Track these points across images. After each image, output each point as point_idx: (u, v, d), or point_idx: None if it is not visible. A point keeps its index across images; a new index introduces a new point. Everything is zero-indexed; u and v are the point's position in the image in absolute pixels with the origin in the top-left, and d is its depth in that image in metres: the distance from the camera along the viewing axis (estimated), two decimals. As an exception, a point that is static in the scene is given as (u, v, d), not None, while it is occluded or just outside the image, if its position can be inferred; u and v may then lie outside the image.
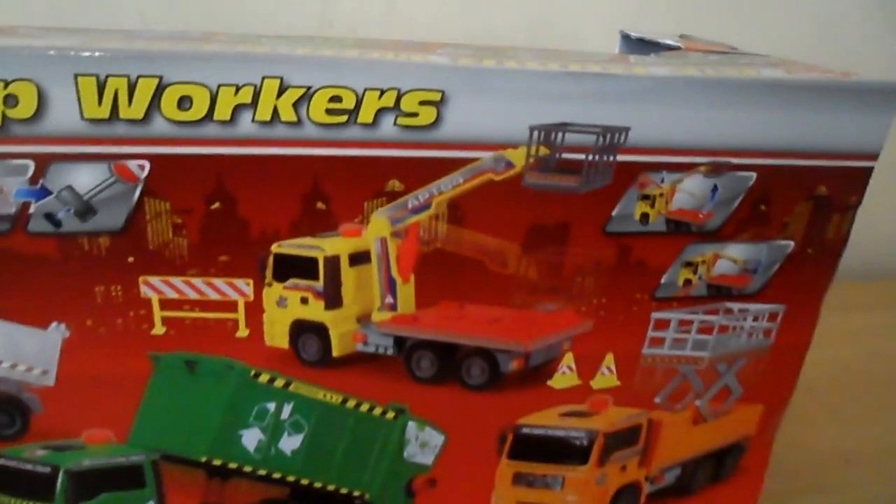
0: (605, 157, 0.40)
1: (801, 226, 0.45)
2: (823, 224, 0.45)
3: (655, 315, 0.45)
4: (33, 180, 0.35)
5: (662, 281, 0.44)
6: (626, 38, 0.62)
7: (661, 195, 0.41)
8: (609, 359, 0.46)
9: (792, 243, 0.45)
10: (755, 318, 0.47)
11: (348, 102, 0.36)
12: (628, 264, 0.43)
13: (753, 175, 0.42)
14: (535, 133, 0.38)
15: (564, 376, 0.46)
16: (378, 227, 0.40)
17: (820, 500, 0.67)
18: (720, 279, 0.45)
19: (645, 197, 0.41)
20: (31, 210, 0.36)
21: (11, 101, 0.34)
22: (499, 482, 0.49)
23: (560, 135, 0.38)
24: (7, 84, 0.33)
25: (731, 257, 0.45)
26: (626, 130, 0.39)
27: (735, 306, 0.46)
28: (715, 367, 0.48)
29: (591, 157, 0.40)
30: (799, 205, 0.44)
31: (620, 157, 0.40)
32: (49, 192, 0.36)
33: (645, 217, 0.42)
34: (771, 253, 0.45)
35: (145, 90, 0.34)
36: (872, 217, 0.62)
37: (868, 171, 0.44)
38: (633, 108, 0.39)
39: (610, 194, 0.41)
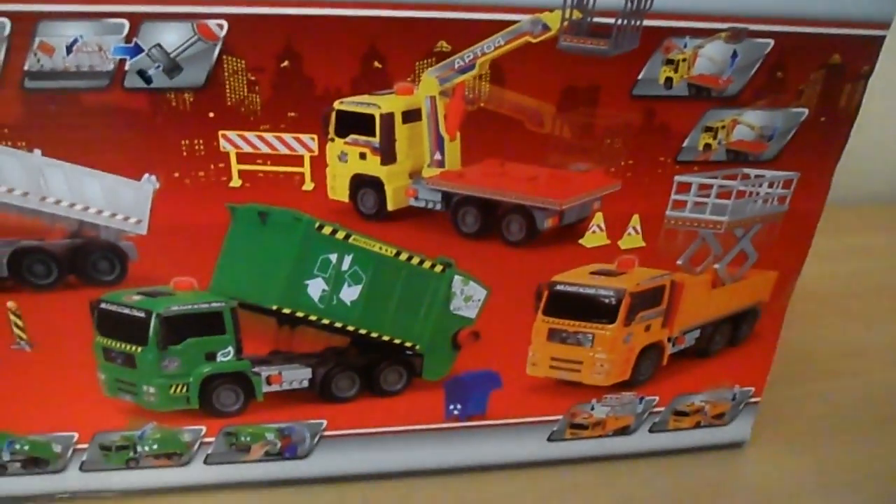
0: (632, 22, 0.42)
1: (814, 93, 0.46)
2: (836, 92, 0.47)
3: (678, 178, 0.47)
4: (127, 39, 0.39)
5: (684, 145, 0.46)
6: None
7: (684, 60, 0.43)
8: (635, 220, 0.48)
9: (806, 111, 0.47)
10: (770, 185, 0.49)
11: (403, -35, 0.39)
12: (653, 127, 0.45)
13: (771, 42, 0.44)
14: (570, -5, 0.41)
15: (594, 235, 0.49)
16: (428, 85, 0.42)
17: (833, 385, 0.69)
18: (738, 144, 0.47)
19: (669, 61, 0.43)
20: (126, 67, 0.40)
21: (110, -38, 0.37)
22: (535, 337, 0.51)
23: (592, -1, 0.41)
24: (106, -54, 0.37)
25: (748, 123, 0.47)
26: (652, -6, 0.41)
27: (752, 172, 0.48)
28: (732, 231, 0.50)
29: (619, 22, 0.42)
30: (813, 72, 0.46)
31: (647, 22, 0.42)
32: (141, 50, 0.39)
33: (669, 81, 0.44)
34: (786, 120, 0.47)
35: (225, -47, 0.38)
36: None
37: (880, 40, 0.45)
38: (659, -28, 0.41)
39: (637, 58, 0.43)
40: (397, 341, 0.50)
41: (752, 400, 0.58)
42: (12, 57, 0.38)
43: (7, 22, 0.37)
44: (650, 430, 0.57)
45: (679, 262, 0.51)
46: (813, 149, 0.48)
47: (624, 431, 0.56)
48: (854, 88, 0.47)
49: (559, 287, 0.50)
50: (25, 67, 0.38)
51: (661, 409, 0.56)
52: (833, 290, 0.88)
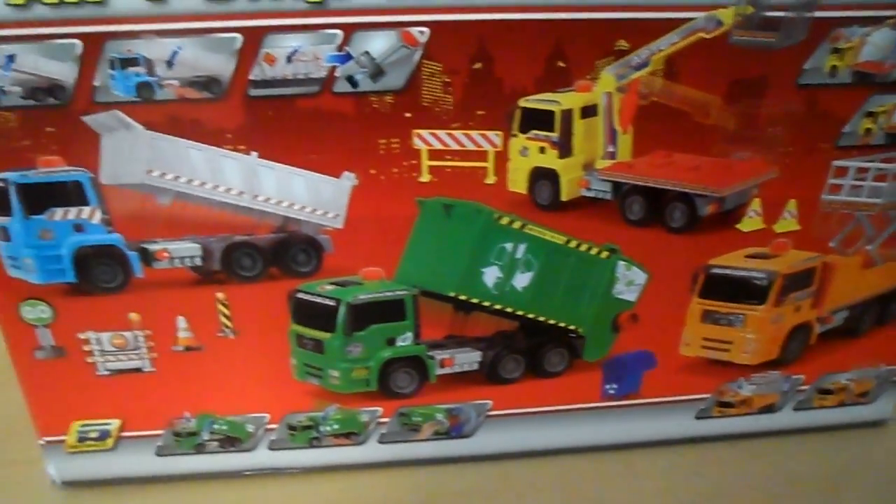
0: (803, 14, 0.43)
1: (974, 76, 0.47)
2: None
3: (836, 163, 0.48)
4: (340, 48, 0.42)
5: (845, 130, 0.47)
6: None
7: (851, 48, 0.44)
8: (791, 204, 0.49)
9: (963, 94, 0.47)
10: (925, 167, 0.49)
11: (592, -31, 0.41)
12: (815, 115, 0.46)
13: (932, 29, 0.45)
14: (745, -8, 0.42)
15: (751, 220, 0.49)
16: (606, 82, 0.44)
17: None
18: (896, 128, 0.48)
19: (836, 50, 0.44)
20: (337, 73, 0.42)
21: (331, -22, 0.40)
22: (689, 319, 0.52)
23: (765, -7, 0.42)
24: (329, -36, 0.39)
25: (907, 107, 0.47)
26: (823, -13, 0.42)
27: (908, 154, 0.49)
28: (887, 213, 0.51)
29: (790, 15, 0.43)
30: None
31: (816, 14, 0.43)
32: (351, 57, 0.42)
33: (834, 70, 0.45)
34: (943, 103, 0.47)
35: (432, -35, 0.40)
36: None
37: None
38: (830, -34, 0.42)
39: (804, 49, 0.44)
40: (562, 324, 0.52)
41: None
42: (240, 68, 0.42)
43: (239, 37, 0.41)
44: (794, 409, 0.57)
45: (832, 244, 0.51)
46: (966, 131, 0.49)
47: (769, 409, 0.57)
48: None
49: (714, 270, 0.51)
50: (250, 77, 0.42)
51: (806, 387, 0.56)
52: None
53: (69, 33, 0.39)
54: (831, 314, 0.54)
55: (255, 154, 0.44)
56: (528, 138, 0.46)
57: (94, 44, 0.40)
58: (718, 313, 0.53)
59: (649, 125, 0.45)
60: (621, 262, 0.50)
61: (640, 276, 0.51)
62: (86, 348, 0.48)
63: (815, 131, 0.47)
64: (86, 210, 0.44)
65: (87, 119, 0.42)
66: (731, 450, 0.58)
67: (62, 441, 0.51)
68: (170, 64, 0.41)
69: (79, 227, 0.45)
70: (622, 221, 0.49)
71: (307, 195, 0.45)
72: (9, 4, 0.38)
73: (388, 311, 0.50)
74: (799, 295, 0.53)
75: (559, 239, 0.49)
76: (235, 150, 0.43)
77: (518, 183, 0.46)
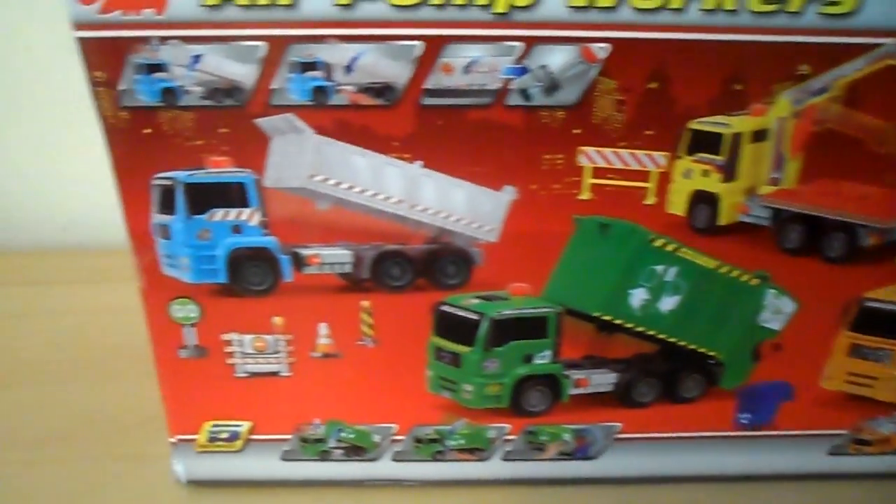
0: None
1: None
2: None
3: None
4: (519, 59, 0.42)
5: None
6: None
7: None
8: (957, 239, 0.48)
9: None
10: None
11: (784, -8, 0.40)
12: None
13: None
14: (940, 20, 0.41)
15: (915, 254, 0.49)
16: (782, 107, 0.43)
17: None
18: None
19: None
20: (511, 86, 0.42)
21: (519, -8, 0.40)
22: (836, 351, 0.52)
23: (960, 22, 0.41)
24: (520, -24, 0.39)
25: None
26: None
27: None
28: None
29: (982, 44, 0.42)
30: None
31: None
32: (528, 71, 0.42)
33: None
34: None
35: (622, -18, 0.40)
36: None
37: None
38: None
39: None
40: (703, 350, 0.52)
41: None
42: (417, 76, 0.42)
43: (421, 45, 0.41)
44: (933, 450, 0.56)
45: None
46: None
47: (906, 449, 0.56)
48: None
49: (869, 304, 0.50)
50: (425, 86, 0.42)
51: (948, 429, 0.56)
52: None
53: (256, 35, 0.40)
54: (983, 355, 0.54)
55: (418, 163, 0.45)
56: (694, 160, 0.45)
57: (278, 47, 0.41)
58: (868, 348, 0.52)
59: (819, 152, 0.46)
60: (771, 291, 0.50)
61: (788, 305, 0.50)
62: (227, 349, 0.49)
63: None
64: (246, 212, 0.45)
65: (260, 121, 0.43)
66: (862, 490, 0.57)
67: (192, 440, 0.52)
68: (348, 69, 0.41)
69: (236, 229, 0.45)
70: (777, 249, 0.49)
71: (465, 207, 0.45)
72: (202, 5, 0.39)
73: (530, 328, 0.50)
74: (952, 333, 0.52)
75: (710, 264, 0.48)
76: (400, 158, 0.44)
77: (677, 205, 0.46)
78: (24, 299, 0.78)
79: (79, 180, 0.86)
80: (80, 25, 0.39)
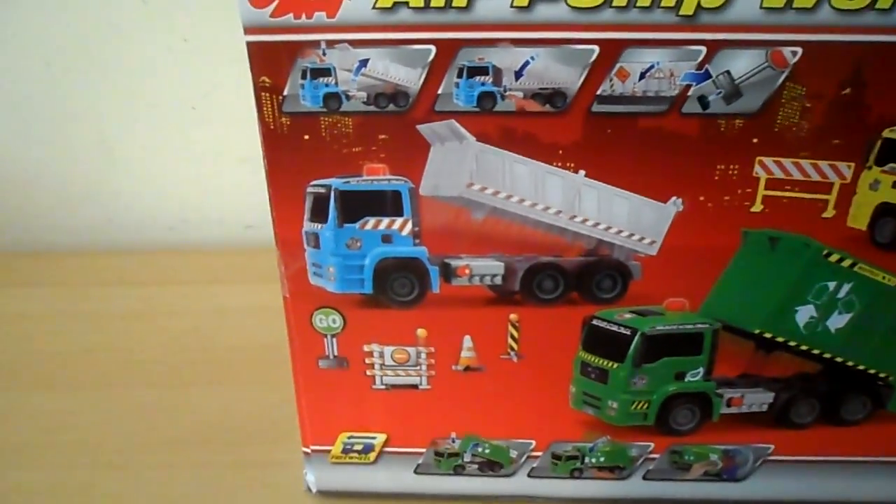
0: None
1: None
2: None
3: None
4: (701, 65, 0.41)
5: None
6: None
7: None
8: None
9: None
10: None
11: None
12: None
13: None
14: None
15: None
16: None
17: None
18: None
19: None
20: (689, 92, 0.41)
21: (714, -9, 0.39)
22: None
23: None
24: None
25: None
26: None
27: None
28: None
29: None
30: None
31: None
32: (709, 76, 0.41)
33: None
34: None
35: (823, -20, 0.38)
36: None
37: None
38: None
39: None
40: (871, 371, 0.50)
41: None
42: (589, 82, 0.41)
43: (597, 49, 0.41)
44: None
45: None
46: None
47: None
48: None
49: None
50: (598, 92, 0.42)
51: None
52: None
53: (426, 38, 0.40)
54: None
55: (582, 172, 0.44)
56: (884, 171, 0.43)
57: (447, 50, 0.40)
58: None
59: None
60: (955, 311, 0.48)
61: (971, 326, 0.49)
62: (368, 361, 0.49)
63: None
64: (398, 221, 0.45)
65: (421, 127, 0.42)
66: None
67: (327, 451, 0.53)
68: (518, 74, 0.40)
69: (387, 238, 0.45)
70: (967, 267, 0.47)
71: (627, 219, 0.45)
72: (376, 8, 0.39)
73: (684, 344, 0.49)
74: None
75: (892, 281, 0.47)
76: (564, 166, 0.44)
77: (859, 218, 0.44)
78: (138, 300, 0.79)
79: (185, 181, 0.88)
80: (250, 29, 0.39)
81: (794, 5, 0.38)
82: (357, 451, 0.52)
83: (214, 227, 0.88)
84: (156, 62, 0.81)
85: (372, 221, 0.45)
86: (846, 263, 0.46)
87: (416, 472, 0.53)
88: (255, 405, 0.61)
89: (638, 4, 0.39)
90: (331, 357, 0.49)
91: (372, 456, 0.53)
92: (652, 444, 0.52)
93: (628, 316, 0.48)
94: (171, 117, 0.83)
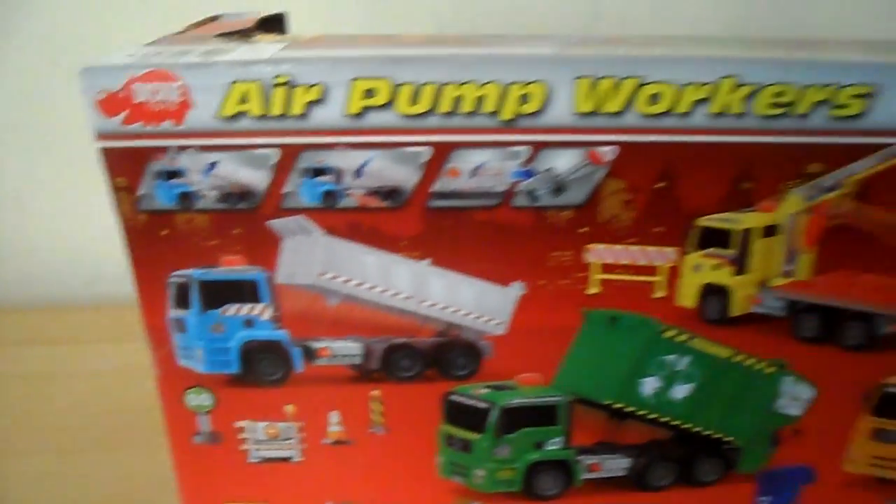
0: None
1: None
2: None
3: None
4: (525, 163, 0.44)
5: None
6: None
7: None
8: (982, 330, 0.50)
9: None
10: None
11: (790, 97, 0.42)
12: None
13: None
14: (953, 120, 0.43)
15: (935, 343, 0.50)
16: (792, 203, 0.45)
17: None
18: None
19: None
20: (518, 188, 0.45)
21: (524, 98, 0.42)
22: (858, 435, 0.53)
23: (973, 122, 0.43)
24: (525, 84, 0.42)
25: None
26: None
27: None
28: None
29: None
30: None
31: None
32: (534, 174, 0.44)
33: None
34: None
35: (627, 89, 0.42)
36: None
37: None
38: None
39: None
40: (718, 436, 0.54)
41: None
42: (424, 180, 0.45)
43: (429, 150, 0.44)
44: (962, 535, 0.57)
45: None
46: None
47: (934, 534, 0.57)
48: None
49: (891, 389, 0.51)
50: (432, 189, 0.45)
51: (978, 515, 0.57)
52: None
53: (268, 143, 0.44)
54: None
55: (427, 261, 0.47)
56: (704, 255, 0.47)
57: (289, 154, 0.44)
58: (891, 432, 0.53)
59: (833, 245, 0.47)
60: (787, 378, 0.51)
61: (806, 392, 0.52)
62: (241, 436, 0.52)
63: None
64: (258, 307, 0.48)
65: (271, 223, 0.46)
66: (888, 574, 0.58)
67: (207, 522, 0.56)
68: (357, 174, 0.44)
69: (249, 323, 0.48)
70: (792, 338, 0.50)
71: (473, 302, 0.48)
72: (218, 117, 0.42)
73: (539, 415, 0.52)
74: (977, 420, 0.53)
75: (724, 353, 0.50)
76: (409, 256, 0.47)
77: (687, 297, 0.48)
78: (46, 360, 0.81)
79: (103, 237, 0.90)
80: (102, 136, 0.43)
81: (603, 110, 0.43)
82: (237, 522, 0.55)
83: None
84: (70, 118, 0.84)
85: (233, 308, 0.48)
86: (681, 339, 0.50)
87: (294, 541, 0.56)
88: (160, 469, 0.63)
89: (461, 111, 0.43)
90: (204, 433, 0.51)
91: (254, 526, 0.56)
92: (521, 509, 0.56)
93: (484, 391, 0.52)
94: (86, 173, 0.86)
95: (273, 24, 0.61)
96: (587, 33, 0.52)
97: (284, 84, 0.41)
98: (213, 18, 0.60)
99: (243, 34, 0.51)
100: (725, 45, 0.46)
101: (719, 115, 0.43)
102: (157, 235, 0.46)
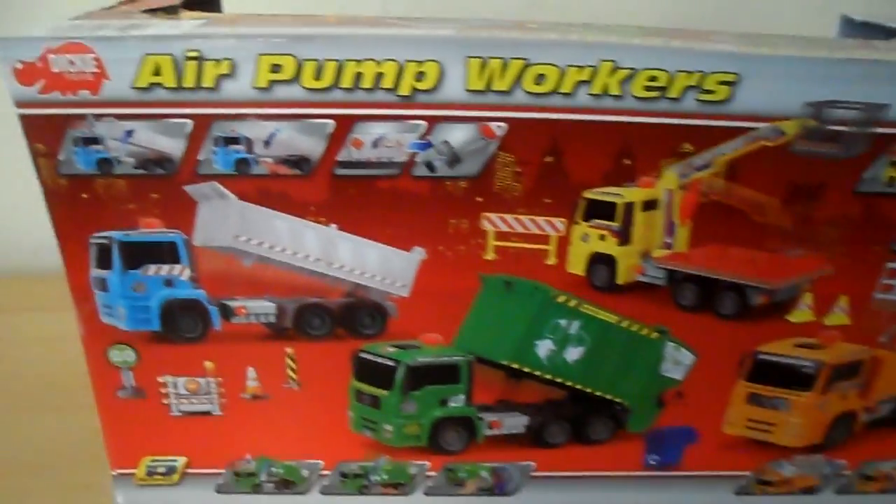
0: (864, 129, 0.48)
1: None
2: None
3: (889, 265, 0.53)
4: (423, 136, 0.48)
5: (898, 234, 0.52)
6: (848, 21, 0.68)
7: (908, 160, 0.49)
8: (843, 300, 0.54)
9: None
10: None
11: (663, 81, 0.46)
12: (871, 220, 0.51)
13: None
14: (809, 108, 0.47)
15: (802, 312, 0.54)
16: (668, 180, 0.49)
17: None
18: (949, 234, 0.52)
19: (894, 163, 0.49)
20: (417, 159, 0.48)
21: (420, 76, 0.46)
22: (734, 399, 0.58)
23: (828, 110, 0.47)
24: (420, 63, 0.45)
25: (960, 216, 0.52)
26: (884, 107, 0.47)
27: (960, 258, 0.53)
28: (936, 312, 0.55)
29: (851, 129, 0.48)
30: None
31: (878, 129, 0.48)
32: (431, 145, 0.48)
33: (892, 180, 0.49)
34: None
35: (514, 69, 0.46)
36: None
37: None
38: (892, 88, 0.47)
39: (863, 160, 0.49)
40: (608, 397, 0.58)
41: (937, 469, 0.63)
42: (330, 150, 0.48)
43: (332, 122, 0.47)
44: (835, 492, 0.62)
45: (881, 339, 0.56)
46: None
47: (809, 491, 0.62)
48: None
49: (763, 356, 0.56)
50: (337, 158, 0.48)
51: (849, 472, 0.61)
52: None
53: (182, 114, 0.47)
54: (878, 405, 0.59)
55: (334, 226, 0.50)
56: (591, 226, 0.51)
57: (203, 123, 0.47)
58: (764, 397, 0.58)
59: (707, 219, 0.51)
60: (670, 343, 0.56)
61: (687, 357, 0.56)
62: (163, 391, 0.55)
63: (869, 235, 0.52)
64: (177, 268, 0.51)
65: (188, 188, 0.49)
66: (767, 527, 0.63)
67: (132, 474, 0.59)
68: (267, 144, 0.47)
69: (168, 283, 0.52)
70: (674, 306, 0.55)
71: (378, 266, 0.52)
72: (134, 87, 0.45)
73: (443, 374, 0.56)
74: (845, 385, 0.58)
75: (611, 318, 0.54)
76: (317, 221, 0.50)
77: (577, 265, 0.52)
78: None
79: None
80: (21, 104, 0.46)
81: (494, 88, 0.46)
82: (161, 474, 0.58)
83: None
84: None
85: (153, 268, 0.51)
86: (572, 304, 0.54)
87: (218, 491, 0.59)
88: (81, 430, 0.66)
89: (362, 86, 0.46)
90: (128, 388, 0.54)
91: (175, 477, 0.59)
92: (428, 463, 0.59)
93: (391, 349, 0.56)
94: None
95: (207, 2, 0.64)
96: (509, 18, 0.55)
97: (195, 58, 0.45)
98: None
99: (168, 11, 0.54)
100: (614, 33, 0.50)
101: (600, 95, 0.47)
102: (78, 199, 0.49)
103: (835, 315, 0.55)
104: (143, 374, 0.55)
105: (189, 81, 0.46)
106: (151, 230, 0.49)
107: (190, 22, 0.49)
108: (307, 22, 0.51)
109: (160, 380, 0.55)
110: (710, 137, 0.49)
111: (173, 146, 0.47)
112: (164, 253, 0.50)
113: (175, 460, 0.58)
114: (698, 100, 0.47)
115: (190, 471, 0.58)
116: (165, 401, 0.56)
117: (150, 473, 0.58)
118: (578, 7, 0.95)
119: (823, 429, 0.59)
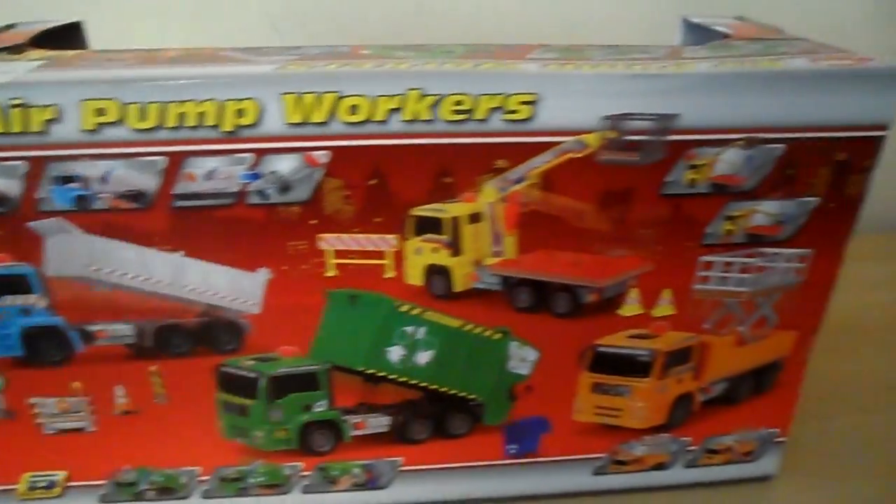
0: (659, 138, 0.52)
1: (823, 185, 0.56)
2: (842, 184, 0.56)
3: (702, 258, 0.57)
4: (251, 167, 0.51)
5: (708, 231, 0.56)
6: (687, 23, 0.72)
7: (705, 164, 0.53)
8: (667, 293, 0.59)
9: (816, 199, 0.56)
10: (787, 260, 0.58)
11: (468, 105, 0.50)
12: (680, 219, 0.55)
13: (782, 146, 0.53)
14: (607, 121, 0.50)
15: (631, 306, 0.59)
16: (488, 194, 0.53)
17: (868, 419, 0.77)
18: (756, 229, 0.56)
19: (692, 166, 0.53)
20: (249, 188, 0.51)
21: (240, 112, 0.49)
22: (581, 390, 0.63)
23: (625, 121, 0.50)
24: (239, 101, 0.48)
25: (765, 212, 0.56)
26: (675, 116, 0.51)
27: (769, 250, 0.58)
28: (754, 299, 0.60)
29: (648, 138, 0.52)
30: (821, 168, 0.55)
31: (672, 137, 0.52)
32: (261, 176, 0.51)
33: (693, 182, 0.54)
34: (799, 207, 0.56)
35: (328, 102, 0.49)
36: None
37: (880, 140, 0.54)
38: (681, 99, 0.51)
39: (664, 165, 0.53)
40: (462, 394, 0.62)
41: (778, 440, 0.68)
42: (165, 183, 0.51)
43: (163, 159, 0.50)
44: (685, 466, 0.67)
45: (706, 325, 0.60)
46: (824, 229, 0.58)
47: (661, 467, 0.67)
48: (859, 179, 0.56)
49: (602, 349, 0.61)
50: (174, 191, 0.51)
51: (695, 447, 0.66)
52: (876, 321, 0.95)
53: (15, 157, 0.49)
54: (711, 385, 0.64)
55: (180, 252, 0.54)
56: (423, 240, 0.55)
57: (37, 164, 0.50)
58: (608, 385, 0.63)
59: (532, 227, 0.55)
60: (513, 342, 0.60)
61: (531, 354, 0.60)
62: (34, 411, 0.59)
63: (681, 232, 0.56)
64: (31, 297, 0.54)
65: (32, 225, 0.52)
66: (628, 502, 0.68)
67: (14, 489, 0.62)
68: (104, 180, 0.50)
69: (25, 311, 0.54)
70: (512, 308, 0.59)
71: (228, 286, 0.55)
72: (-37, 136, 0.48)
73: (303, 382, 0.60)
74: (680, 369, 0.62)
75: (455, 323, 0.59)
76: (163, 249, 0.53)
77: (415, 277, 0.56)
78: None
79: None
80: None
81: (311, 120, 0.50)
82: (42, 488, 0.61)
83: None
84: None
85: (8, 299, 0.54)
86: (415, 312, 0.58)
87: (101, 501, 0.63)
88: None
89: (186, 124, 0.49)
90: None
91: (57, 490, 0.62)
92: (302, 464, 0.63)
93: (251, 362, 0.59)
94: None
95: (69, 32, 0.66)
96: (342, 43, 0.58)
97: (20, 105, 0.48)
98: (9, 27, 0.65)
99: (14, 49, 0.56)
100: (435, 56, 0.53)
101: (412, 121, 0.50)
102: (-71, 239, 0.52)
103: (661, 307, 0.60)
104: (13, 396, 0.58)
105: (17, 127, 0.48)
106: (3, 264, 0.53)
107: (25, 65, 0.52)
108: (145, 60, 0.54)
109: (30, 401, 0.58)
110: (520, 153, 0.52)
111: (10, 186, 0.50)
112: (17, 285, 0.54)
113: (55, 475, 0.62)
114: (504, 119, 0.51)
115: (71, 484, 0.62)
116: (38, 420, 0.59)
117: (32, 488, 0.61)
118: (461, 11, 0.98)
119: (665, 410, 0.64)
